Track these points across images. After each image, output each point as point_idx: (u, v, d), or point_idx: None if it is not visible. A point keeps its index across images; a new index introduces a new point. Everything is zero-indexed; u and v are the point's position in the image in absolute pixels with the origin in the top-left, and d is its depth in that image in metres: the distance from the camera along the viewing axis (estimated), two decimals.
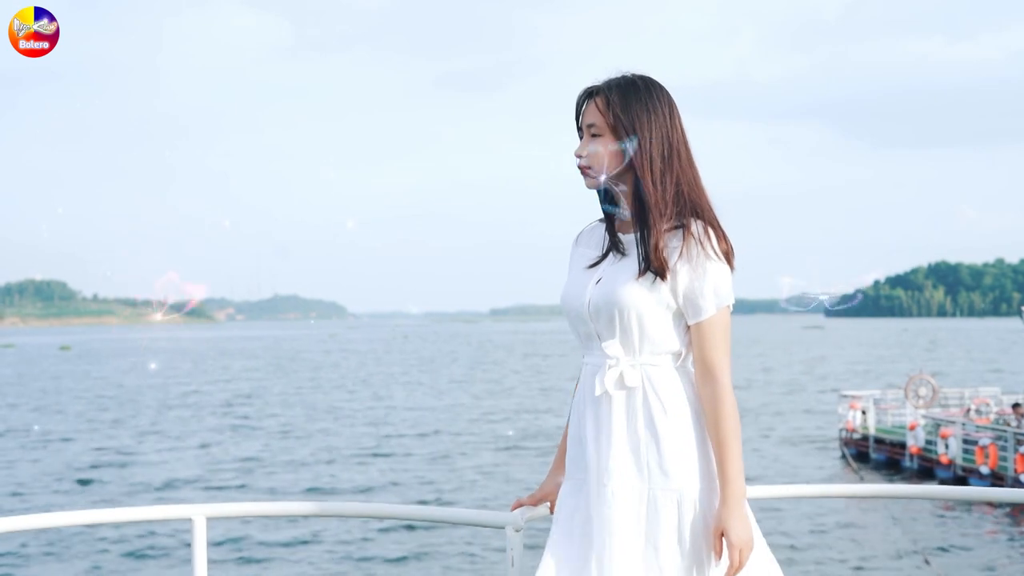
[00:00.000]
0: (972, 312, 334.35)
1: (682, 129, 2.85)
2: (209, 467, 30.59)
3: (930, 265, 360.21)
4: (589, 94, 2.87)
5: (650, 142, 2.80)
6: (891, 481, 27.39)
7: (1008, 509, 22.85)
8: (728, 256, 2.80)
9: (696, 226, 2.77)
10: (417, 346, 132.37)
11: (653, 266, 2.76)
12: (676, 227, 2.80)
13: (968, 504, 23.63)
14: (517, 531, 3.14)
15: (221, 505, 3.43)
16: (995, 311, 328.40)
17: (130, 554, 19.82)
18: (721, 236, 2.79)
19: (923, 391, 30.90)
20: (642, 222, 2.81)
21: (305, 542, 20.53)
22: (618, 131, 2.81)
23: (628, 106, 2.81)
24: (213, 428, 40.73)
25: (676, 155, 2.82)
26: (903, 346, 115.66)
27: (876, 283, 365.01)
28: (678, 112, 2.87)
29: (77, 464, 31.45)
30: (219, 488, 26.95)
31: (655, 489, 2.76)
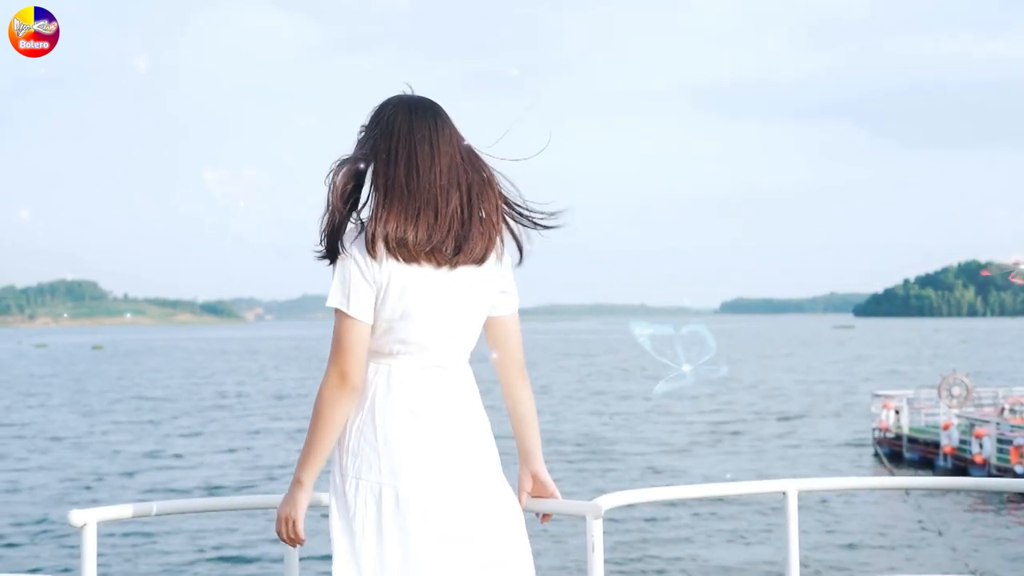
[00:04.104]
0: (1003, 312, 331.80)
1: (399, 135, 2.99)
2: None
3: (960, 264, 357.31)
4: None
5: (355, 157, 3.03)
6: None
7: None
8: (366, 246, 2.92)
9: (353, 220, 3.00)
10: None
11: None
12: None
13: (1002, 499, 23.67)
14: (596, 519, 3.30)
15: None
16: None
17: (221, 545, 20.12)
18: (378, 222, 2.92)
19: (957, 390, 30.82)
20: None
21: None
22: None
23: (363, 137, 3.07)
24: (264, 429, 40.98)
25: (377, 163, 2.98)
26: (936, 346, 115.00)
27: (906, 282, 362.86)
28: (399, 120, 3.01)
29: (138, 464, 31.82)
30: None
31: None
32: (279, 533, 3.00)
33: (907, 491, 23.37)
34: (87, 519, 3.26)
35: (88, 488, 27.32)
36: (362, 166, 2.99)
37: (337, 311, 2.93)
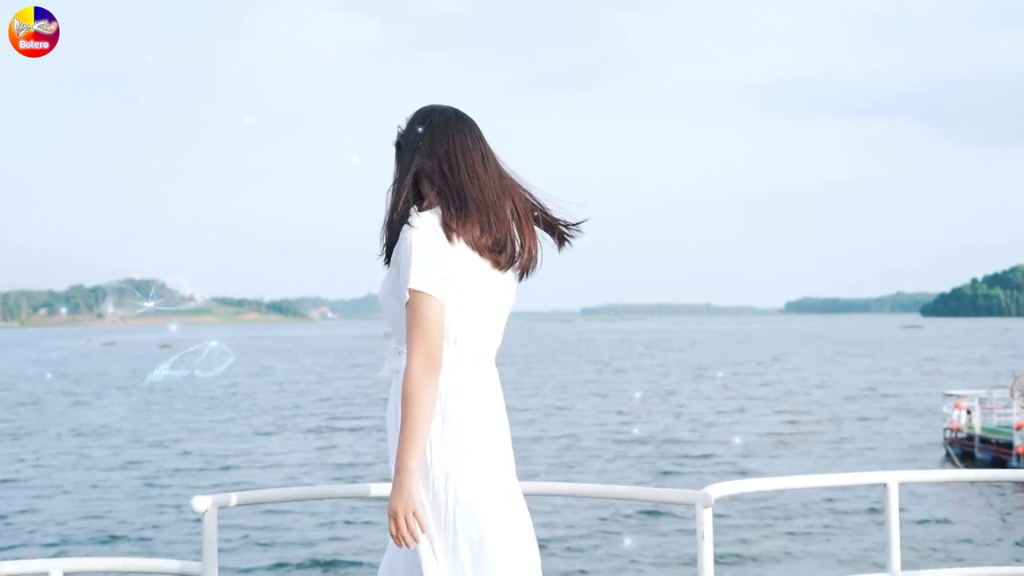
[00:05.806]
0: None
1: (454, 140, 3.10)
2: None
3: None
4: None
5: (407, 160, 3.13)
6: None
7: None
8: (444, 234, 3.01)
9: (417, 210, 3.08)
10: (514, 345, 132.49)
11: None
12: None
13: None
14: (706, 508, 3.37)
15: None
16: None
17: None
18: (455, 219, 3.03)
19: None
20: None
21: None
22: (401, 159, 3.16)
23: (404, 139, 3.16)
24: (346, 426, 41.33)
25: (435, 165, 3.08)
26: (1006, 345, 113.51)
27: (974, 282, 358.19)
28: (452, 127, 3.13)
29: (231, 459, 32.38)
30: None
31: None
32: (397, 532, 2.89)
33: (980, 490, 23.24)
34: (208, 505, 3.38)
35: (151, 484, 27.73)
36: (419, 170, 3.10)
37: (416, 292, 2.95)
